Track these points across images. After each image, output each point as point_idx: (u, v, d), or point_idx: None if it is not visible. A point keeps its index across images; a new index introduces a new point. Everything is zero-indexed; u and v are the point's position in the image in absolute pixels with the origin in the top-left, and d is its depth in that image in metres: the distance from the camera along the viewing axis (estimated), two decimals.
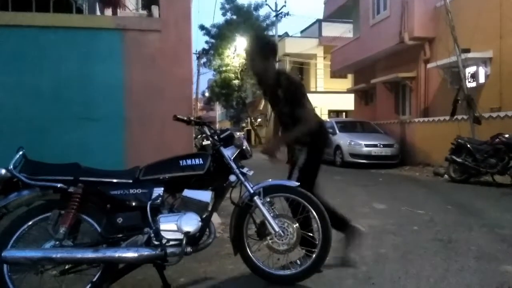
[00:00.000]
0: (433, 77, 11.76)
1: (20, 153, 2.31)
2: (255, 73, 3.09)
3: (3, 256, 2.11)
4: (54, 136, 3.58)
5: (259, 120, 30.90)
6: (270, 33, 27.23)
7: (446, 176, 8.37)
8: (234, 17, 26.69)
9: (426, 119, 11.33)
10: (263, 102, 28.97)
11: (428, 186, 7.52)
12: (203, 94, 38.53)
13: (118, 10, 4.98)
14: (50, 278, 2.32)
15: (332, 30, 22.96)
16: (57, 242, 2.20)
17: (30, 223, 2.27)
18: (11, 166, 2.22)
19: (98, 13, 5.14)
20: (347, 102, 20.88)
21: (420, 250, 3.44)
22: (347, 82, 22.86)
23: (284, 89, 2.90)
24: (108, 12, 4.82)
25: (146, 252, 2.27)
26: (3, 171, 2.19)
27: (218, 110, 43.80)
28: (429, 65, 11.50)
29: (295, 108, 2.89)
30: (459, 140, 8.05)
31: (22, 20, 3.69)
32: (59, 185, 2.25)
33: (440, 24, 10.86)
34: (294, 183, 2.69)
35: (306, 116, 2.89)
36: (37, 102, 3.62)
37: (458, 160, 7.84)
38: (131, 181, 2.39)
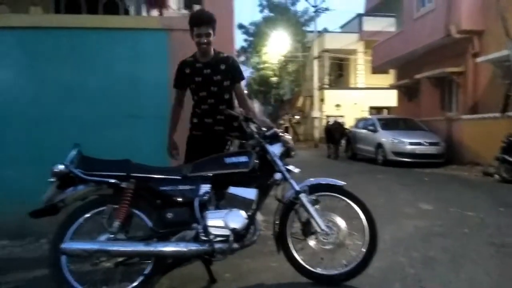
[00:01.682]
0: (482, 71, 11.18)
1: (76, 149, 2.42)
2: None
3: (62, 248, 2.23)
4: (103, 133, 3.72)
5: (297, 117, 30.75)
6: (309, 29, 27.01)
7: (496, 176, 7.94)
8: (271, 14, 26.67)
9: (474, 116, 10.80)
10: (301, 99, 28.81)
11: (478, 187, 7.16)
12: None
13: (164, 10, 5.11)
14: (105, 270, 2.42)
15: (373, 24, 22.35)
16: (112, 235, 2.29)
17: (85, 216, 2.37)
18: (68, 162, 2.33)
19: (144, 14, 5.29)
20: (389, 99, 20.29)
21: (472, 254, 3.29)
22: (388, 78, 22.14)
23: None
24: (154, 12, 4.95)
25: (195, 247, 2.32)
26: (61, 166, 2.31)
27: (256, 108, 43.92)
28: (478, 59, 10.94)
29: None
30: (511, 138, 7.62)
31: (73, 22, 3.86)
32: (112, 180, 2.34)
33: (490, 16, 10.29)
34: (340, 182, 2.65)
35: None
36: (88, 100, 3.77)
37: (510, 159, 7.42)
38: (179, 177, 2.45)
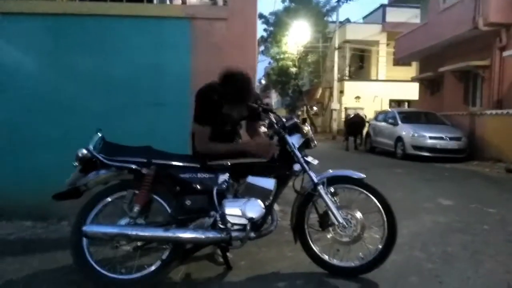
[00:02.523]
0: (508, 66, 10.81)
1: (99, 135, 2.47)
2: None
3: (84, 231, 2.29)
4: (126, 120, 3.78)
5: (315, 108, 30.40)
6: (330, 19, 26.60)
7: None
8: (293, 4, 26.34)
9: (499, 111, 10.49)
10: (320, 91, 28.53)
11: (500, 183, 6.99)
12: (259, 82, 38.76)
13: None
14: (124, 253, 2.48)
15: (397, 15, 21.89)
16: (131, 220, 2.34)
17: (107, 200, 2.43)
18: (91, 147, 2.38)
19: (168, 2, 5.30)
20: (410, 92, 19.92)
21: (491, 251, 3.23)
22: (410, 71, 21.73)
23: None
24: (177, 1, 4.95)
25: (212, 234, 2.35)
26: (84, 151, 2.36)
27: (274, 98, 43.80)
28: (505, 53, 10.57)
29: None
30: None
31: (98, 9, 3.89)
32: (133, 166, 2.38)
33: None
34: (360, 175, 2.63)
35: None
36: (111, 87, 3.83)
37: None
38: (199, 165, 2.48)
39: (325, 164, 2.95)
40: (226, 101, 2.48)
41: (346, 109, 23.29)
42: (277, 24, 26.38)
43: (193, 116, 2.58)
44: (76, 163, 2.37)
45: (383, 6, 25.07)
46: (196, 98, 2.56)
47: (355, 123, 14.12)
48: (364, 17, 28.79)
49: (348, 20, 26.96)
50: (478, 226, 3.98)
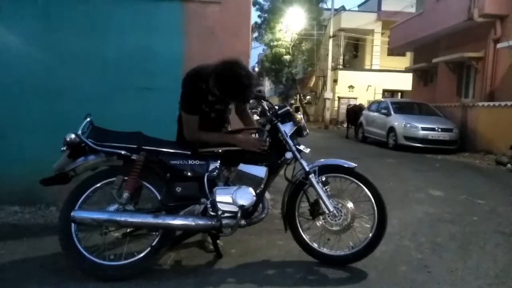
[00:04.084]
0: (502, 58, 10.83)
1: (88, 119, 2.42)
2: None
3: (72, 216, 2.26)
4: (115, 104, 3.70)
5: (308, 97, 30.42)
6: (325, 6, 26.38)
7: (509, 165, 7.83)
8: None
9: (491, 103, 10.54)
10: (313, 79, 28.44)
11: (490, 175, 7.07)
12: (253, 69, 38.48)
13: None
14: (113, 240, 2.46)
15: (393, 4, 21.78)
16: (120, 206, 2.31)
17: (96, 186, 2.39)
18: (80, 132, 2.33)
19: None
20: (404, 82, 19.95)
21: (480, 242, 3.27)
22: (404, 61, 21.74)
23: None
24: None
25: (202, 221, 2.33)
26: (73, 136, 2.31)
27: (267, 86, 43.62)
28: (499, 45, 10.58)
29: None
30: None
31: None
32: (123, 152, 2.34)
33: None
34: (351, 164, 2.62)
35: None
36: (101, 71, 3.74)
37: None
38: (189, 152, 2.44)
39: (317, 153, 2.93)
40: (224, 95, 2.38)
41: (339, 98, 23.29)
42: (271, 10, 26.07)
43: (180, 103, 2.53)
44: (64, 148, 2.32)
45: None
46: (184, 84, 2.48)
47: (356, 113, 14.30)
48: (360, 5, 28.62)
49: (343, 8, 26.76)
50: (467, 217, 4.02)
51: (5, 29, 3.63)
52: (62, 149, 2.33)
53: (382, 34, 24.07)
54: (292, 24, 25.11)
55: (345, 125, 21.62)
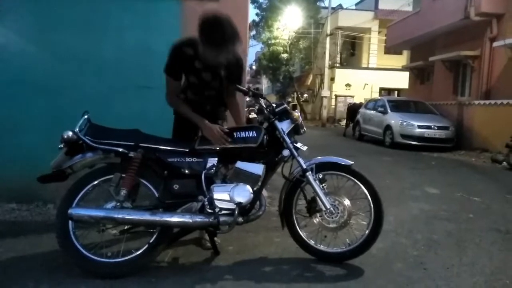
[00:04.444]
0: (498, 56, 10.88)
1: (85, 116, 2.42)
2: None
3: (69, 213, 2.26)
4: (114, 102, 3.70)
5: (305, 95, 30.43)
6: (323, 4, 26.39)
7: (505, 163, 7.87)
8: None
9: (487, 101, 10.60)
10: (311, 77, 28.46)
11: (485, 173, 7.11)
12: (250, 67, 38.46)
13: None
14: (110, 237, 2.46)
15: (390, 3, 21.78)
16: (118, 204, 2.31)
17: (93, 183, 2.39)
18: (77, 129, 2.33)
19: None
20: (400, 80, 20.02)
21: (476, 239, 3.29)
22: (401, 59, 21.77)
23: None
24: None
25: (200, 219, 2.34)
26: (70, 133, 2.31)
27: (264, 84, 43.61)
28: (495, 44, 10.63)
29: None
30: None
31: None
32: (120, 149, 2.34)
33: None
34: (348, 162, 2.63)
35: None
36: (99, 69, 3.74)
37: None
38: (187, 150, 2.45)
39: (314, 151, 2.95)
40: (207, 45, 2.35)
41: (336, 96, 23.32)
42: (269, 8, 26.05)
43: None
44: (62, 145, 2.32)
45: None
46: (170, 50, 2.53)
47: (355, 111, 14.47)
48: (357, 4, 28.62)
49: (340, 6, 26.75)
50: (463, 215, 4.05)
51: (4, 28, 3.62)
52: (59, 146, 2.33)
53: (379, 32, 24.11)
54: (289, 22, 25.12)
55: (342, 123, 21.89)
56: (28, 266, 2.45)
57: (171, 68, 2.54)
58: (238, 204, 2.36)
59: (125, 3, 3.75)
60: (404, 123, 10.67)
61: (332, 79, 23.78)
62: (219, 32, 2.30)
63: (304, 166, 2.55)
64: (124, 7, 3.75)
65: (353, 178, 2.60)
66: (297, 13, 24.49)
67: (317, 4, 26.71)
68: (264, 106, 2.61)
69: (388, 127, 11.17)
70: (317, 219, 2.64)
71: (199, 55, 2.47)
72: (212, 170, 2.43)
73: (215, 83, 2.66)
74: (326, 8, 24.30)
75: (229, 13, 2.99)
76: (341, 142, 12.78)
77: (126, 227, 2.38)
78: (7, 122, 3.64)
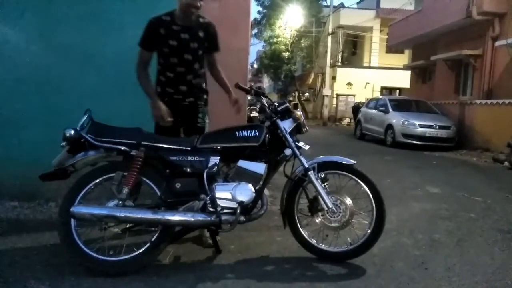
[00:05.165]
0: (501, 56, 10.86)
1: (87, 115, 2.42)
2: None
3: (72, 211, 2.26)
4: (114, 99, 3.69)
5: (306, 94, 30.40)
6: (324, 3, 26.36)
7: (506, 163, 7.85)
8: None
9: (489, 101, 10.58)
10: (312, 76, 28.43)
11: (487, 173, 7.10)
12: (251, 65, 38.41)
13: None
14: (112, 235, 2.47)
15: (392, 2, 21.70)
16: (120, 202, 2.32)
17: (95, 182, 2.40)
18: (79, 127, 2.33)
19: None
20: (402, 79, 19.97)
21: (477, 239, 3.29)
22: (403, 58, 21.72)
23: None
24: None
25: (202, 217, 2.34)
26: (72, 131, 2.31)
27: (266, 83, 43.58)
28: (497, 43, 10.61)
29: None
30: None
31: None
32: (122, 147, 2.34)
33: None
34: (350, 161, 2.63)
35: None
36: (100, 66, 3.73)
37: None
38: (189, 148, 2.45)
39: (315, 150, 2.94)
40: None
41: (337, 95, 23.30)
42: (271, 6, 26.01)
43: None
44: (64, 144, 2.32)
45: None
46: (147, 23, 2.70)
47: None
48: (358, 3, 28.55)
49: (342, 5, 26.73)
50: (464, 214, 4.04)
51: (4, 25, 3.62)
52: (61, 144, 2.33)
53: (380, 31, 24.05)
54: (291, 20, 25.09)
55: (343, 122, 21.91)
56: (30, 264, 2.46)
57: (145, 39, 2.71)
58: (240, 203, 2.36)
59: (126, 0, 3.74)
60: (406, 123, 10.65)
61: (334, 78, 23.74)
62: None
63: (306, 165, 2.55)
64: (124, 4, 3.75)
65: (355, 178, 2.60)
66: (299, 11, 24.45)
67: (319, 2, 26.70)
68: (266, 105, 2.61)
69: (389, 126, 11.15)
70: (319, 218, 2.65)
71: (176, 17, 2.68)
72: (214, 169, 2.43)
73: (193, 44, 2.74)
74: (327, 6, 24.28)
75: (231, 11, 3.00)
76: (342, 141, 12.77)
77: (128, 226, 2.38)
78: (8, 120, 3.64)
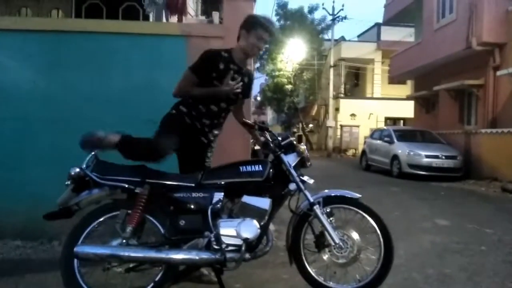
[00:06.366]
0: (503, 85, 10.94)
1: (93, 153, 2.44)
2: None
3: (75, 251, 2.23)
4: None
5: (311, 125, 30.58)
6: (326, 37, 26.94)
7: None
8: (288, 22, 26.73)
9: (494, 130, 10.56)
10: (315, 108, 28.70)
11: (496, 203, 6.98)
12: (255, 98, 38.92)
13: (182, 17, 5.16)
14: (116, 275, 2.42)
15: (392, 34, 22.19)
16: (124, 241, 2.29)
17: (99, 220, 2.38)
18: (84, 166, 2.35)
19: (164, 20, 5.34)
20: (405, 110, 20.06)
21: (489, 272, 3.20)
22: (405, 89, 21.94)
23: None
24: (173, 19, 5.00)
25: (206, 255, 2.30)
26: (77, 170, 2.32)
27: (269, 115, 43.97)
28: (498, 73, 10.71)
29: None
30: None
31: (94, 26, 3.92)
32: (127, 185, 2.34)
33: None
34: (355, 195, 2.60)
35: None
36: (107, 104, 3.80)
37: None
38: (193, 184, 2.44)
39: (320, 182, 2.92)
40: (261, 29, 2.64)
41: (341, 126, 23.40)
42: (273, 41, 26.67)
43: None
44: (69, 182, 2.33)
45: (378, 25, 25.43)
46: (201, 54, 2.67)
47: None
48: (359, 36, 29.19)
49: (343, 38, 27.32)
50: (475, 247, 3.94)
51: (13, 65, 3.72)
52: (66, 183, 2.33)
53: (382, 62, 24.44)
54: (293, 54, 25.61)
55: (348, 153, 21.89)
56: None
57: (200, 67, 2.65)
58: (245, 240, 2.32)
59: (133, 41, 3.87)
60: (411, 153, 10.61)
61: (337, 109, 23.93)
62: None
63: (311, 200, 2.52)
64: (131, 44, 3.86)
65: (361, 212, 2.56)
66: (301, 45, 25.00)
67: (320, 36, 27.33)
68: (270, 140, 2.62)
69: (395, 157, 11.11)
70: (326, 255, 2.58)
71: (234, 56, 2.69)
72: (218, 205, 2.41)
73: (235, 95, 2.73)
74: (329, 40, 24.86)
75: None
76: (348, 172, 12.69)
77: (131, 265, 2.34)
78: (12, 158, 3.67)
